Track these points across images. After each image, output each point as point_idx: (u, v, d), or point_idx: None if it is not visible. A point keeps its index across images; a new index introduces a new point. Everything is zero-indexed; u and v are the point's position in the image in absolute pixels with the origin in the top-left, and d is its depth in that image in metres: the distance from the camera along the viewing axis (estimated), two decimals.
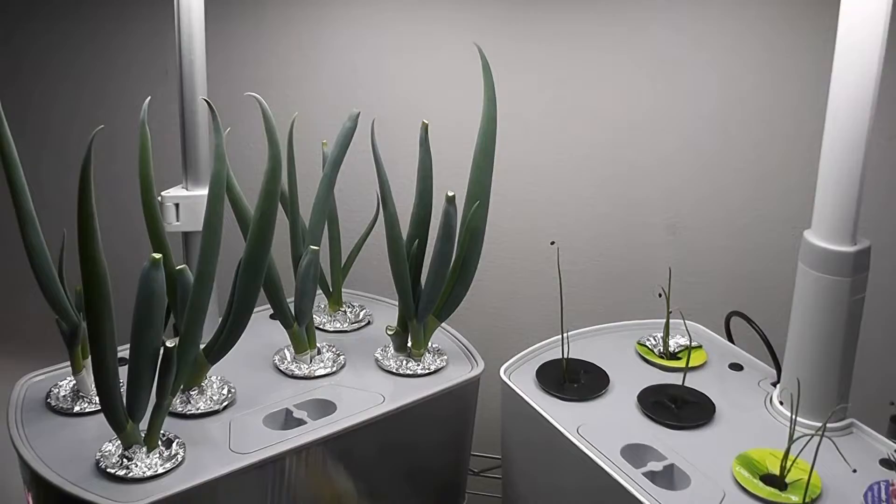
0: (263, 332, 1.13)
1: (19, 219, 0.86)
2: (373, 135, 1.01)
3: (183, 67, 1.01)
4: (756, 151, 1.28)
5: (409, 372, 1.06)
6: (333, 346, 1.11)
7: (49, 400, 0.98)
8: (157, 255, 0.81)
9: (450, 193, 0.99)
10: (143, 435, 0.88)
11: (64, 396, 0.98)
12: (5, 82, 1.51)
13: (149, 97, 0.91)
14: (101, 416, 0.87)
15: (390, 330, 1.06)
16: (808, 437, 0.87)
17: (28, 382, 1.02)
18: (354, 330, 1.18)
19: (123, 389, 0.86)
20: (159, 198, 1.03)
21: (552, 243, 1.02)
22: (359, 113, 1.01)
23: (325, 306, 1.21)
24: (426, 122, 1.01)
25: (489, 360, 1.09)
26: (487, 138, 1.03)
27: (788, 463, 0.89)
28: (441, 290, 1.05)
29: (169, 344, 0.83)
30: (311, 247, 1.01)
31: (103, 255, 0.78)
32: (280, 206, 0.93)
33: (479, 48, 0.99)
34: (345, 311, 1.20)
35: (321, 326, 1.18)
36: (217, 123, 0.89)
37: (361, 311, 1.21)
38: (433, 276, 1.04)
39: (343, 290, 1.23)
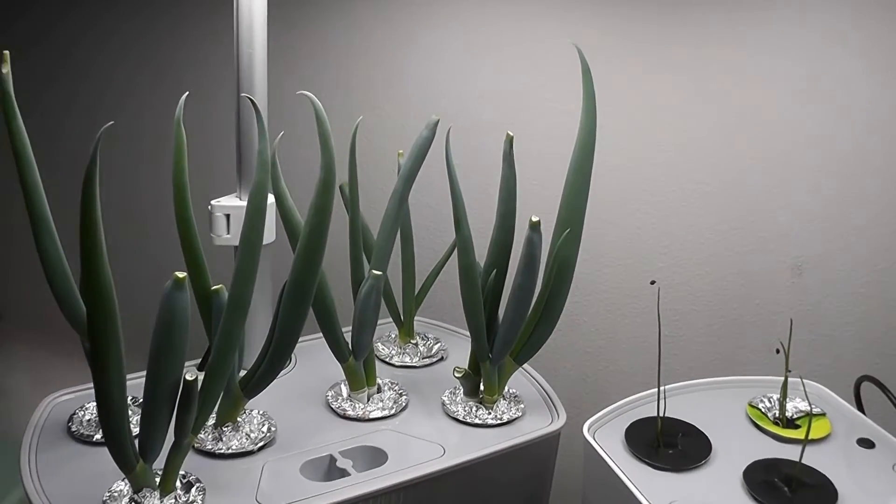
0: (323, 359, 0.99)
1: (32, 224, 0.75)
2: (447, 146, 0.88)
3: (240, 61, 0.90)
4: None
5: (477, 421, 0.93)
6: (397, 384, 0.98)
7: (71, 424, 0.88)
8: (181, 274, 0.69)
9: (534, 219, 0.85)
10: (158, 476, 0.77)
11: (88, 421, 0.88)
12: (48, 80, 1.43)
13: (186, 93, 0.79)
14: None
15: (458, 372, 0.93)
16: None
17: (54, 402, 0.92)
18: (425, 366, 1.05)
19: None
20: (209, 206, 0.92)
21: (652, 283, 0.88)
22: (437, 121, 0.88)
23: (395, 336, 1.09)
24: (511, 133, 0.87)
25: (574, 412, 0.95)
26: (584, 154, 0.89)
27: None
28: (520, 330, 0.91)
29: (188, 377, 0.72)
30: (374, 271, 0.88)
31: (108, 271, 0.66)
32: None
33: (579, 49, 0.85)
34: (416, 344, 1.07)
35: (387, 360, 1.05)
36: (262, 125, 0.77)
37: (435, 344, 1.08)
38: (512, 312, 0.90)
39: (417, 318, 1.10)
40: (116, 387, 0.70)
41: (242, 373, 0.86)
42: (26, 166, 0.73)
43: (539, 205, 0.89)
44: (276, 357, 0.83)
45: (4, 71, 0.70)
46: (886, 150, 1.08)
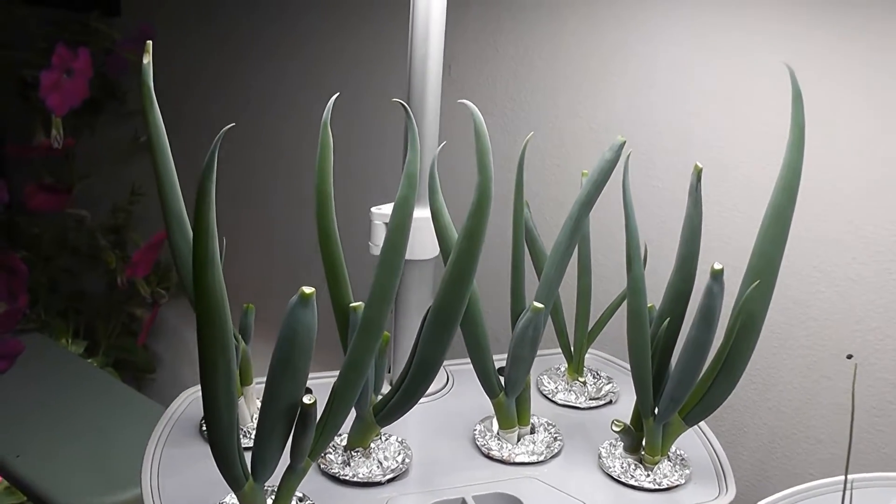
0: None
1: (165, 218, 0.72)
2: (625, 176, 0.78)
3: (413, 61, 0.84)
4: None
5: (632, 482, 0.83)
6: (553, 427, 0.90)
7: (203, 422, 0.85)
8: (309, 290, 0.64)
9: (717, 266, 0.75)
10: (272, 497, 0.72)
11: None
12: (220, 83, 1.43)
13: (337, 93, 0.74)
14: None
15: (617, 426, 0.83)
16: None
17: (191, 397, 0.89)
18: (590, 408, 0.96)
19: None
20: (369, 213, 0.87)
21: (849, 357, 0.75)
22: (623, 142, 0.79)
23: (563, 371, 1.00)
24: (700, 165, 0.77)
25: (750, 487, 0.84)
26: (785, 196, 0.77)
27: None
28: (691, 388, 0.81)
29: (307, 400, 0.66)
30: (535, 303, 0.80)
31: (219, 280, 0.62)
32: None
33: (791, 69, 0.74)
34: (584, 383, 0.98)
35: (550, 396, 0.97)
36: (413, 134, 0.71)
37: (606, 384, 0.99)
38: (682, 368, 0.80)
39: (592, 351, 1.02)
40: (225, 403, 0.65)
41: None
42: (162, 159, 0.70)
43: (720, 247, 0.78)
44: (411, 387, 0.76)
45: (146, 61, 0.67)
46: None
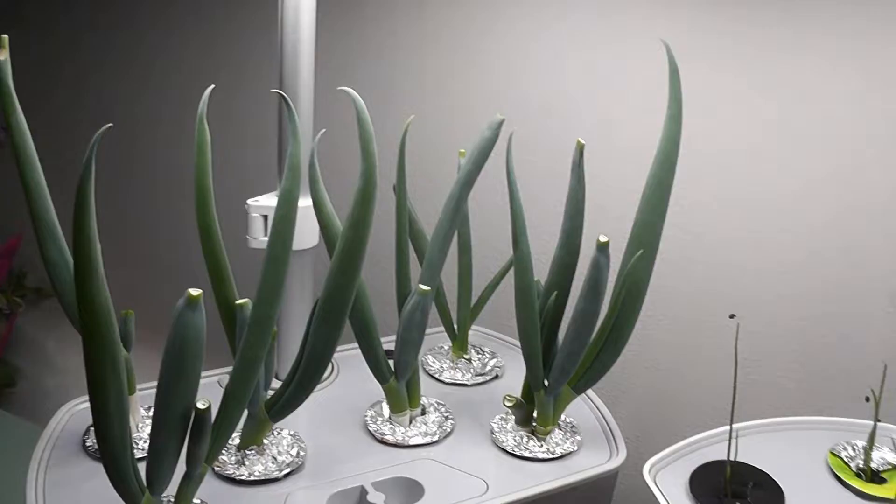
0: (368, 371, 0.90)
1: (35, 229, 0.68)
2: (508, 155, 0.79)
3: (284, 48, 0.82)
4: None
5: (527, 454, 0.84)
6: (443, 406, 0.90)
7: (86, 438, 0.81)
8: (195, 292, 0.61)
9: (602, 239, 0.76)
10: None
11: None
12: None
13: (212, 86, 0.71)
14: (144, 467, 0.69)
15: (509, 401, 0.84)
16: None
17: (69, 412, 0.85)
18: (477, 384, 0.97)
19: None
20: (246, 206, 0.85)
21: (731, 317, 0.77)
22: (502, 120, 0.79)
23: (448, 349, 1.00)
24: (582, 141, 0.78)
25: (637, 448, 0.86)
26: (665, 168, 0.79)
27: None
28: (580, 359, 0.82)
29: (201, 405, 0.64)
30: (421, 286, 0.80)
31: (103, 292, 0.59)
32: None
33: (667, 45, 0.75)
34: (469, 360, 0.99)
35: (436, 375, 0.97)
36: (294, 124, 0.69)
37: (491, 360, 0.99)
38: (572, 340, 0.81)
39: (474, 328, 1.02)
40: (117, 417, 0.63)
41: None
42: (28, 165, 0.66)
43: (603, 220, 0.79)
44: (304, 380, 0.75)
45: (2, 58, 0.63)
46: None
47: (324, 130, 0.77)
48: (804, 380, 1.07)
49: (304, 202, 0.83)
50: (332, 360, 0.98)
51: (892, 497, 0.78)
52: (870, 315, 1.01)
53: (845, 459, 0.85)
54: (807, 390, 1.08)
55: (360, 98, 0.70)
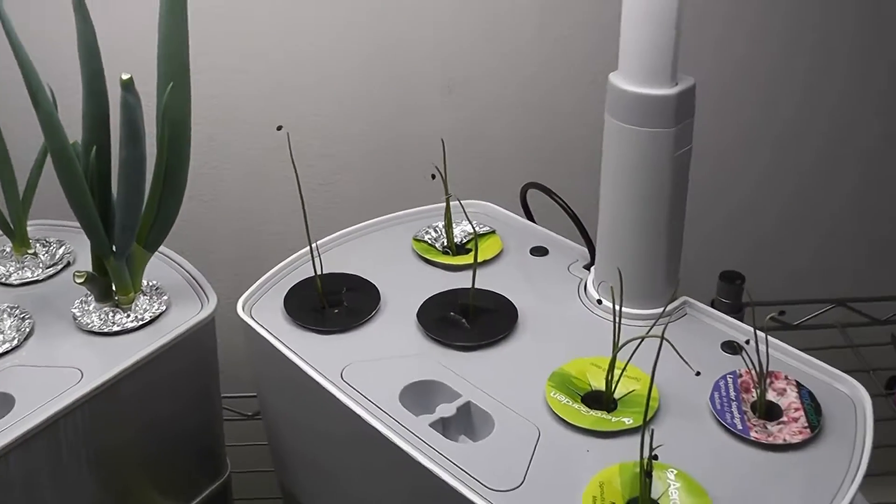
0: None
1: None
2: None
3: None
4: None
5: (116, 328, 0.79)
6: (17, 307, 0.82)
7: None
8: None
9: (125, 76, 0.70)
10: None
11: None
12: None
13: None
14: None
15: (79, 277, 0.77)
16: (638, 341, 0.65)
17: None
18: (50, 277, 0.89)
19: None
20: None
21: (279, 128, 0.76)
22: None
23: (9, 251, 0.92)
24: None
25: (231, 289, 0.84)
26: None
27: (616, 374, 0.68)
28: (141, 211, 0.77)
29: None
30: None
31: None
32: None
33: None
34: (36, 254, 0.91)
35: (4, 280, 0.88)
36: None
37: (60, 247, 0.92)
38: (125, 193, 0.76)
39: (31, 222, 0.93)
40: None
41: None
42: None
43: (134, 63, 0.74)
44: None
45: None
46: None
47: None
48: (372, 188, 1.09)
49: None
50: None
51: (471, 262, 0.80)
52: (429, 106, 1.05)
53: (430, 242, 0.87)
54: (378, 199, 1.10)
55: None
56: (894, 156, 1.19)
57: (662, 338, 0.61)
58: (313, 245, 0.80)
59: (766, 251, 1.22)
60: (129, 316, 0.80)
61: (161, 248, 0.83)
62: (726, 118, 1.12)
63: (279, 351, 0.73)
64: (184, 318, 0.80)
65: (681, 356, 0.64)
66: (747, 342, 0.72)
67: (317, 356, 0.72)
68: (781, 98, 1.13)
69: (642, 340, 0.65)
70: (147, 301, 0.81)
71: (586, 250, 0.84)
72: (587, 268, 0.84)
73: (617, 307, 0.68)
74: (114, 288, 0.81)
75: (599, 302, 0.77)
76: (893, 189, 1.22)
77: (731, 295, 0.99)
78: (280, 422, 0.82)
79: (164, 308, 0.81)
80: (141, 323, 0.79)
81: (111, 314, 0.80)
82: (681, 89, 0.68)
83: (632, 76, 0.69)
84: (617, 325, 0.67)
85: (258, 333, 0.76)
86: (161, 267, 0.87)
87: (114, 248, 0.78)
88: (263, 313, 0.78)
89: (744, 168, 1.17)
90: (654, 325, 0.71)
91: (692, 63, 0.71)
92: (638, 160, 0.70)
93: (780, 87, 1.12)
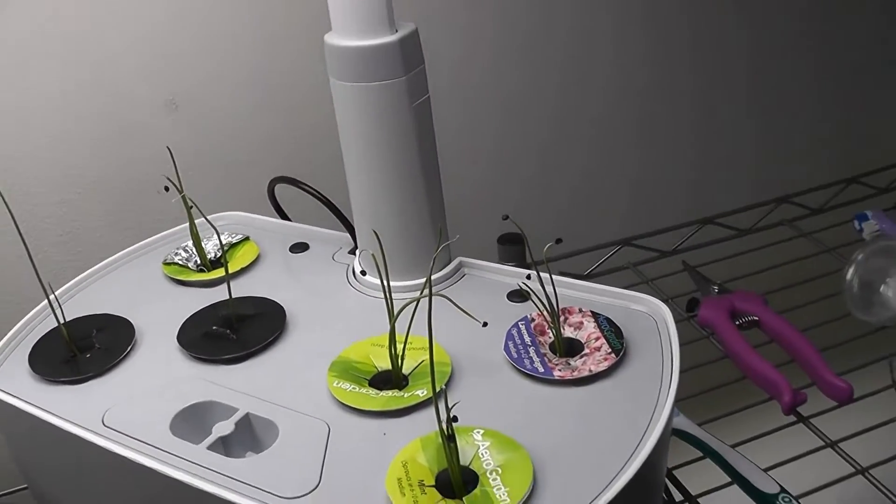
0: None
1: None
2: None
3: None
4: None
5: None
6: None
7: None
8: None
9: None
10: None
11: None
12: None
13: None
14: None
15: None
16: (414, 303, 0.61)
17: None
18: None
19: None
20: None
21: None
22: None
23: None
24: None
25: None
26: None
27: (399, 348, 0.63)
28: None
29: None
30: None
31: None
32: None
33: None
34: None
35: None
36: None
37: None
38: None
39: None
40: None
41: None
42: None
43: None
44: None
45: None
46: None
47: None
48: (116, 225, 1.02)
49: None
50: None
51: (228, 270, 0.75)
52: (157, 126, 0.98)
53: (181, 263, 0.81)
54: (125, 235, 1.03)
55: None
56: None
57: (431, 291, 0.57)
58: (51, 296, 0.72)
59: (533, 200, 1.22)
60: None
61: None
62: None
63: (30, 414, 0.65)
64: None
65: (462, 309, 0.60)
66: (528, 277, 0.69)
67: (73, 408, 0.64)
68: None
69: (417, 303, 0.60)
70: None
71: (348, 235, 0.80)
72: (352, 252, 0.79)
73: (382, 273, 0.63)
74: None
75: (364, 273, 0.73)
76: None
77: (515, 257, 0.97)
78: (55, 495, 0.74)
79: None
80: None
81: None
82: (402, 35, 0.65)
83: (348, 30, 0.65)
84: (387, 293, 0.63)
85: (5, 402, 0.67)
86: None
87: None
88: (8, 381, 0.69)
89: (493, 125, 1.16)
90: (427, 286, 0.68)
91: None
92: (375, 117, 0.66)
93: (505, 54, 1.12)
